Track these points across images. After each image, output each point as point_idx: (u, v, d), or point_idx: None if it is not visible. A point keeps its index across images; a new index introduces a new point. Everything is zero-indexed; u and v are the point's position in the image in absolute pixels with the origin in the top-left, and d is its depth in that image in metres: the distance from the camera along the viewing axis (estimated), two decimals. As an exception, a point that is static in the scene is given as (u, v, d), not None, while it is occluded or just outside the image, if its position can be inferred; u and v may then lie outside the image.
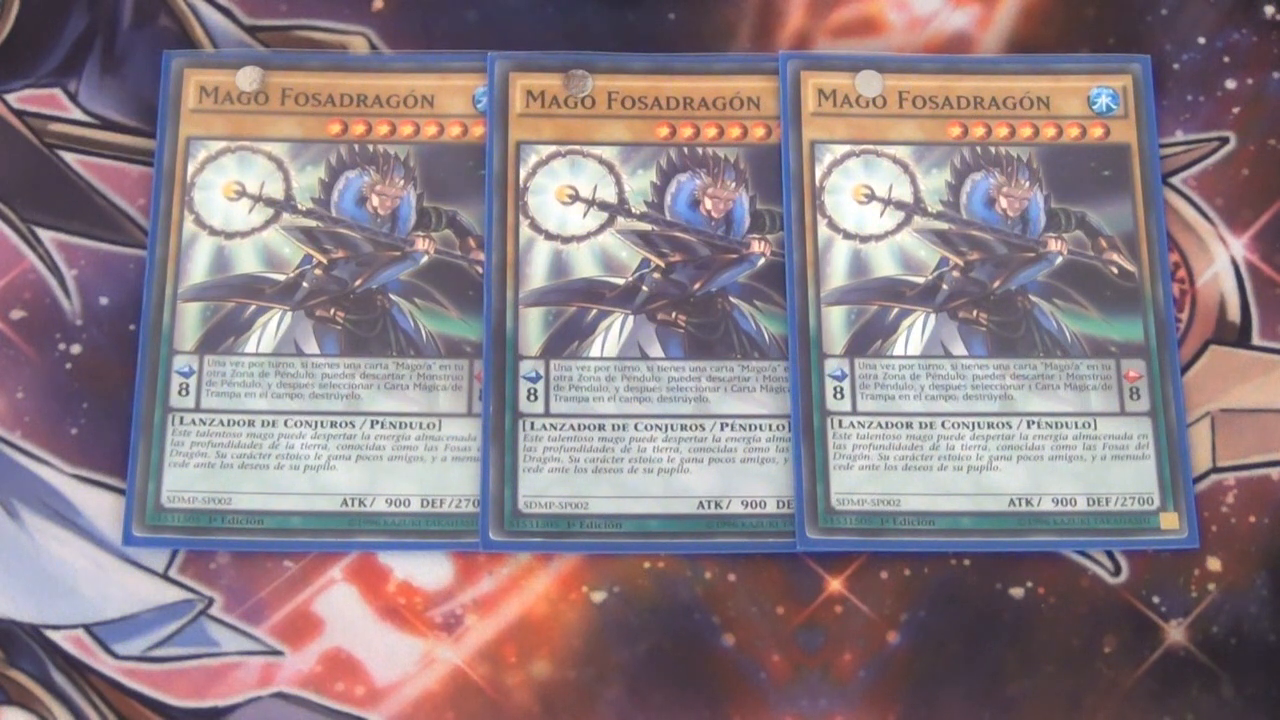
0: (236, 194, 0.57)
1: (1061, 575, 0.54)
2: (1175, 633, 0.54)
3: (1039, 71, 0.59)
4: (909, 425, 0.55)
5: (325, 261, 0.57)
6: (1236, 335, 0.57)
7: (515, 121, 0.58)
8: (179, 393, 0.55)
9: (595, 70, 0.59)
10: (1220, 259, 0.58)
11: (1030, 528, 0.54)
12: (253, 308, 0.56)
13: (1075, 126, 0.58)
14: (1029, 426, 0.55)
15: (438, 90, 0.59)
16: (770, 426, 0.55)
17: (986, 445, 0.55)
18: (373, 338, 0.56)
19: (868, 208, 0.57)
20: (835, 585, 0.54)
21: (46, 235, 0.57)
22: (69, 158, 0.58)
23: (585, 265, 0.57)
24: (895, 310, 0.56)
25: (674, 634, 0.54)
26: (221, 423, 0.55)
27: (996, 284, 0.57)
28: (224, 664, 0.53)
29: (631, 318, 0.56)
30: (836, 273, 0.57)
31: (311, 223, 0.57)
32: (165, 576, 0.54)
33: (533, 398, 0.55)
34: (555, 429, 0.55)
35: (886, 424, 0.55)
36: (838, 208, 0.57)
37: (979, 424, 0.55)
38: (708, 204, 0.58)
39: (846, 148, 0.58)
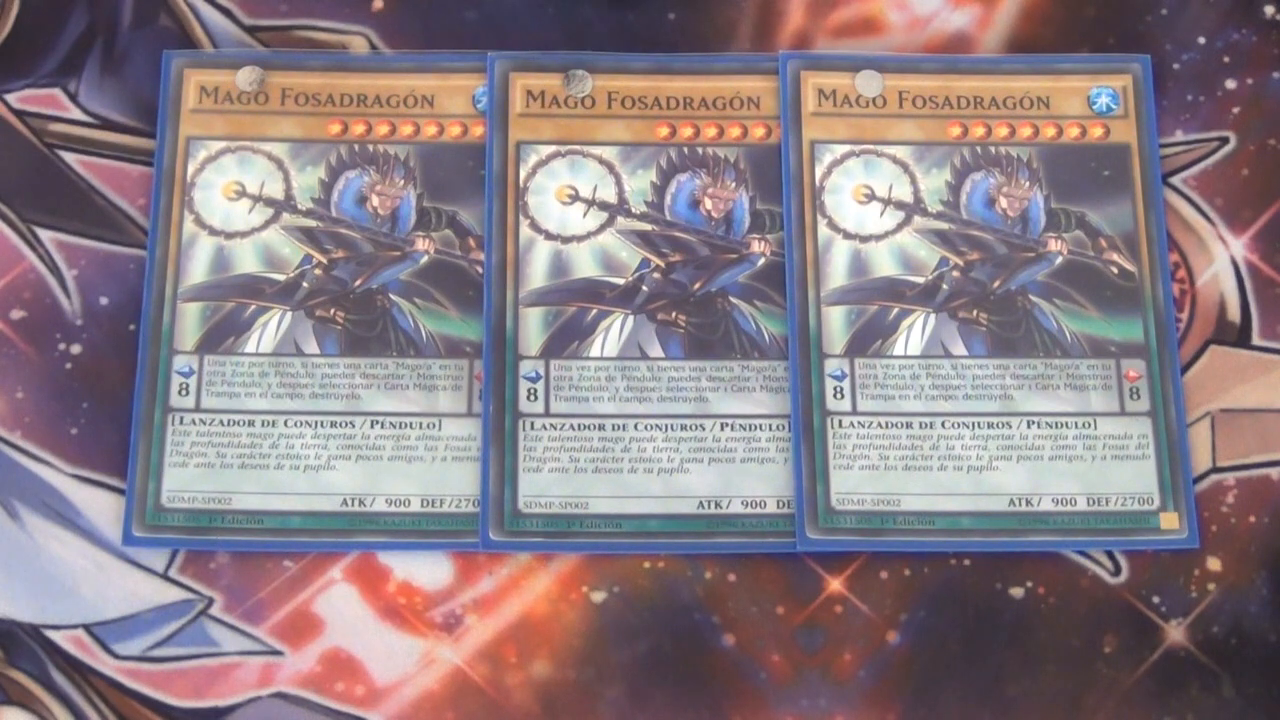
0: (236, 194, 0.57)
1: (1061, 575, 0.54)
2: (1175, 633, 0.54)
3: (1039, 71, 0.59)
4: (909, 425, 0.55)
5: (325, 261, 0.57)
6: (1236, 335, 0.57)
7: (515, 121, 0.58)
8: (179, 393, 0.55)
9: (595, 70, 0.59)
10: (1220, 259, 0.58)
11: (1030, 528, 0.54)
12: (253, 308, 0.56)
13: (1075, 126, 0.58)
14: (1029, 426, 0.55)
15: (438, 90, 0.59)
16: (770, 426, 0.55)
17: (986, 445, 0.55)
18: (373, 338, 0.56)
19: (868, 208, 0.57)
20: (835, 585, 0.54)
21: (46, 235, 0.57)
22: (69, 158, 0.58)
23: (585, 265, 0.57)
24: (895, 310, 0.56)
25: (674, 634, 0.54)
26: (221, 423, 0.55)
27: (996, 284, 0.57)
28: (224, 664, 0.53)
29: (631, 318, 0.56)
30: (836, 273, 0.57)
31: (311, 223, 0.57)
32: (165, 576, 0.54)
33: (533, 398, 0.55)
34: (555, 429, 0.55)
35: (886, 424, 0.55)
36: (838, 208, 0.57)
37: (979, 424, 0.55)
38: (708, 204, 0.58)
39: (846, 148, 0.58)
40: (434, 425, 0.55)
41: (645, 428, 0.55)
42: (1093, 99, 0.59)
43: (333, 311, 0.56)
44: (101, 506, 0.54)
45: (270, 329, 0.56)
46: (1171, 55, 0.60)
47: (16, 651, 0.53)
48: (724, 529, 0.54)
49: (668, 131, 0.58)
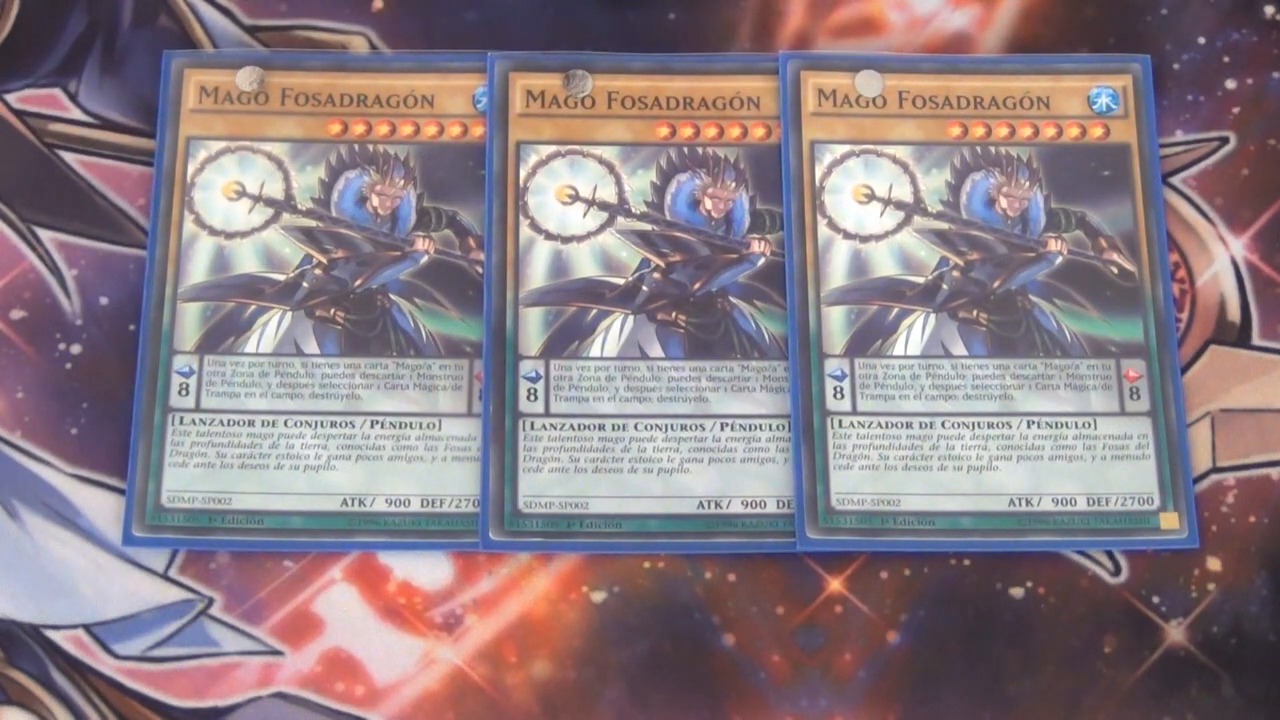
0: (236, 194, 0.57)
1: (1061, 575, 0.54)
2: (1175, 633, 0.54)
3: (1039, 71, 0.59)
4: (909, 425, 0.55)
5: (325, 261, 0.57)
6: (1236, 335, 0.57)
7: (515, 121, 0.58)
8: (179, 393, 0.55)
9: (595, 70, 0.59)
10: (1220, 259, 0.58)
11: (1030, 528, 0.54)
12: (253, 308, 0.56)
13: (1075, 126, 0.58)
14: (1029, 426, 0.55)
15: (438, 90, 0.59)
16: (770, 426, 0.55)
17: (986, 445, 0.55)
18: (373, 338, 0.56)
19: (868, 208, 0.57)
20: (835, 585, 0.54)
21: (46, 235, 0.57)
22: (69, 158, 0.58)
23: (585, 265, 0.57)
24: (895, 310, 0.56)
25: (674, 634, 0.54)
26: (221, 423, 0.55)
27: (996, 284, 0.57)
28: (224, 664, 0.53)
29: (631, 318, 0.56)
30: (836, 273, 0.57)
31: (311, 223, 0.57)
32: (165, 576, 0.54)
33: (533, 398, 0.55)
34: (555, 429, 0.55)
35: (886, 424, 0.55)
36: (838, 208, 0.57)
37: (979, 424, 0.55)
38: (708, 204, 0.58)
39: (846, 148, 0.58)
40: (434, 425, 0.55)
41: (645, 428, 0.55)
42: (1093, 99, 0.59)
43: (333, 311, 0.56)
44: (101, 506, 0.54)
45: (270, 329, 0.56)
46: (1171, 55, 0.60)
47: (16, 651, 0.53)
48: (724, 529, 0.54)
49: (668, 131, 0.58)
